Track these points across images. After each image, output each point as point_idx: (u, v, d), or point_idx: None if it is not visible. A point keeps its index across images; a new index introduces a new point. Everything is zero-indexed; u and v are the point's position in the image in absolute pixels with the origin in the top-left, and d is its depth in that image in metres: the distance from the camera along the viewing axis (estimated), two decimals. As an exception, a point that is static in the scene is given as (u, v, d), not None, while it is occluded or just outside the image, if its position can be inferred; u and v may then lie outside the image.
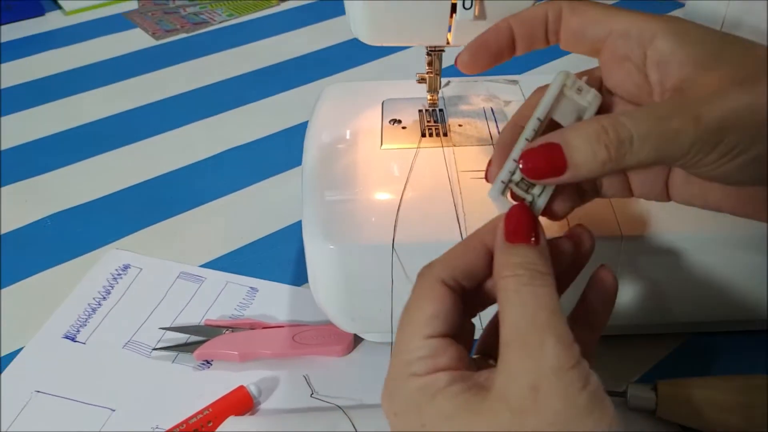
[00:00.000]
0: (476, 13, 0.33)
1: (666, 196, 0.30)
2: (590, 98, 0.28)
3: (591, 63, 0.30)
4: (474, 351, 0.29)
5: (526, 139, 0.28)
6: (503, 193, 0.28)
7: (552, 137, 0.25)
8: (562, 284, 0.27)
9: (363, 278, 0.37)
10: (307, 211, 0.38)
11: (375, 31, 0.36)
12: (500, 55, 0.30)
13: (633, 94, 0.28)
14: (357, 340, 0.42)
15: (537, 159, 0.25)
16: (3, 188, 0.56)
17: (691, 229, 0.36)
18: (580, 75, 0.30)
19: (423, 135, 0.42)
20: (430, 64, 0.41)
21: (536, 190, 0.28)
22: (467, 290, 0.27)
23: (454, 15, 0.34)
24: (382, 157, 0.41)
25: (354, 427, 0.36)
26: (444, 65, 0.42)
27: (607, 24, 0.28)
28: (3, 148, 0.61)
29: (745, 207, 0.28)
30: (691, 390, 0.36)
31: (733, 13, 0.40)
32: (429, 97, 0.43)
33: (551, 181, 0.26)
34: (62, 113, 0.66)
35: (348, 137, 0.43)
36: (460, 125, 0.43)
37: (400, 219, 0.37)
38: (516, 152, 0.28)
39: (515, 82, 0.47)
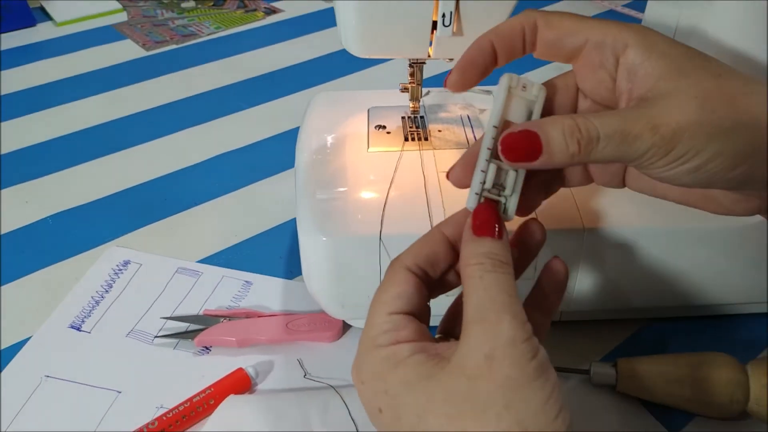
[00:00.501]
0: (454, 30, 0.37)
1: (622, 184, 0.34)
2: (536, 91, 0.31)
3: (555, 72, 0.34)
4: (436, 333, 0.32)
5: (488, 149, 0.30)
6: (479, 202, 0.30)
7: (530, 126, 0.28)
8: (517, 271, 0.30)
9: (352, 267, 0.40)
10: (301, 208, 0.42)
11: (364, 45, 0.40)
12: (486, 70, 0.31)
13: (604, 98, 0.31)
14: (346, 327, 0.45)
15: (516, 142, 0.28)
16: (4, 190, 0.59)
17: (646, 222, 0.40)
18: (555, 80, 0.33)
19: (406, 139, 0.46)
20: (412, 75, 0.45)
21: (507, 192, 0.30)
22: (430, 276, 0.30)
23: (434, 31, 0.38)
24: (369, 159, 0.45)
25: (345, 402, 0.40)
26: (425, 76, 0.46)
27: (583, 34, 0.30)
28: (3, 152, 0.64)
29: (687, 197, 0.32)
30: (646, 366, 0.40)
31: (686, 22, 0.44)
32: (411, 105, 0.47)
33: (524, 165, 0.29)
34: (58, 120, 0.68)
35: (337, 141, 0.47)
36: (439, 131, 0.47)
37: (385, 214, 0.40)
38: (481, 163, 0.30)
39: (489, 92, 0.52)
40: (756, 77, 0.29)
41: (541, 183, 0.33)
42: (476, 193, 0.30)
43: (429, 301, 0.31)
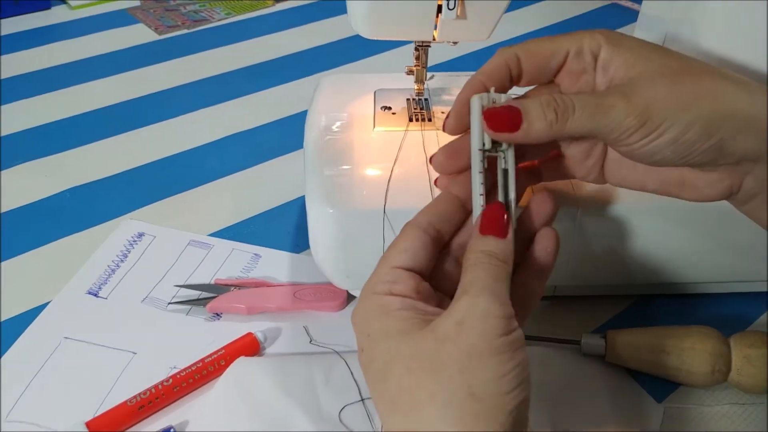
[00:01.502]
0: (458, 13, 0.39)
1: (602, 178, 0.36)
2: (505, 101, 0.32)
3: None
4: None
5: (479, 172, 0.32)
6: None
7: (512, 102, 0.31)
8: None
9: (357, 239, 0.42)
10: (309, 183, 0.44)
11: (373, 28, 0.42)
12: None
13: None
14: (350, 297, 0.48)
15: (499, 113, 0.31)
16: (25, 164, 0.61)
17: (637, 201, 0.42)
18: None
19: (410, 120, 0.48)
20: (417, 58, 0.47)
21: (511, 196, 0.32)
22: (443, 235, 0.32)
23: (439, 15, 0.40)
24: (375, 138, 0.47)
25: (348, 366, 0.42)
26: (429, 61, 0.48)
27: (563, 49, 0.33)
28: (20, 129, 0.66)
29: (662, 186, 0.34)
30: (634, 337, 0.42)
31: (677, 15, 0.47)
32: (416, 87, 0.49)
33: (508, 137, 0.31)
34: (74, 99, 0.71)
35: (344, 121, 0.49)
36: (442, 112, 0.49)
37: (389, 189, 0.43)
38: (477, 187, 0.31)
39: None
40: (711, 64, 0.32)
41: (528, 179, 0.35)
42: (480, 206, 0.32)
43: (437, 259, 0.32)
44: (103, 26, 0.85)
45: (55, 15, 0.88)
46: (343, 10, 0.89)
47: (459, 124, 0.33)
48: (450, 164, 0.34)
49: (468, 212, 0.33)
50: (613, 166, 0.35)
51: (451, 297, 0.30)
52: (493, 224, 0.31)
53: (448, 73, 0.54)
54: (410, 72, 0.48)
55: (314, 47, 0.81)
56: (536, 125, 0.30)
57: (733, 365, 0.41)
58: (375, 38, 0.43)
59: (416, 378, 0.27)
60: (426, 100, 0.50)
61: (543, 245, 0.33)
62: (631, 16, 0.88)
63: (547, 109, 0.30)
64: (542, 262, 0.33)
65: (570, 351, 0.44)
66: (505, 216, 0.31)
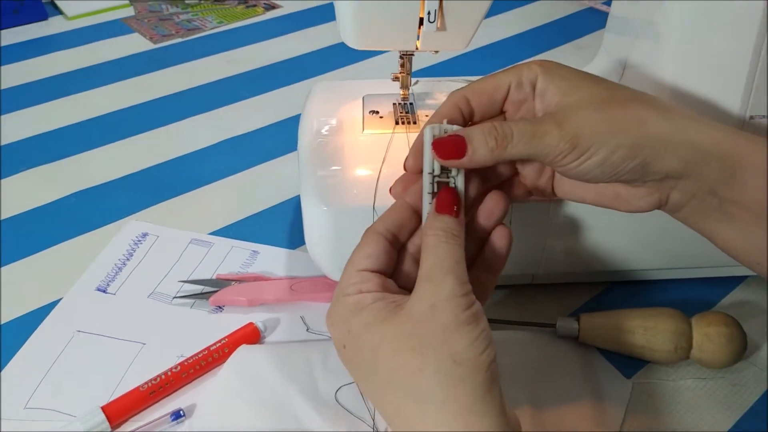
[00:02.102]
0: (438, 25, 0.43)
1: (553, 194, 0.39)
2: (455, 130, 0.35)
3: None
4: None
5: (429, 193, 0.35)
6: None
7: (458, 131, 0.35)
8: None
9: (349, 234, 0.46)
10: (304, 183, 0.47)
11: (360, 39, 0.45)
12: None
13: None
14: (343, 289, 0.51)
15: (446, 143, 0.34)
16: (30, 170, 0.64)
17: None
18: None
19: (396, 123, 0.52)
20: (402, 66, 0.51)
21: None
22: (399, 240, 0.36)
23: (421, 26, 0.44)
24: (364, 140, 0.50)
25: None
26: (414, 68, 0.51)
27: (504, 84, 0.37)
28: (23, 137, 0.69)
29: (600, 199, 0.38)
30: (604, 319, 0.46)
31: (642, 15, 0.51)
32: (401, 92, 0.53)
33: (455, 163, 0.34)
34: (74, 108, 0.74)
35: (335, 124, 0.52)
36: (426, 115, 0.53)
37: (378, 187, 0.46)
38: (426, 203, 0.35)
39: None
40: (639, 90, 0.36)
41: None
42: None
43: (396, 260, 0.36)
44: (99, 36, 0.88)
45: (53, 25, 0.91)
46: (330, 18, 0.92)
47: (417, 163, 0.37)
48: (418, 167, 0.37)
49: (420, 218, 0.36)
50: (559, 182, 0.39)
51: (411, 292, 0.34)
52: (447, 205, 0.34)
53: (431, 78, 0.58)
54: (396, 78, 0.52)
55: (304, 54, 0.85)
56: (479, 152, 0.34)
57: (695, 343, 0.45)
58: (362, 49, 0.46)
59: (403, 357, 0.31)
60: (411, 104, 0.54)
61: (498, 242, 0.36)
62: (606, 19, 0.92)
63: (489, 137, 0.34)
64: (496, 258, 0.36)
65: (546, 334, 0.48)
66: (457, 196, 0.35)
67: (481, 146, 0.34)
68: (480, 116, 0.38)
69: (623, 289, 0.52)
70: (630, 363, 0.46)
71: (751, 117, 0.45)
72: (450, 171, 0.36)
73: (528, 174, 0.39)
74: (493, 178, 0.38)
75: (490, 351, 0.31)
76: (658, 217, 0.47)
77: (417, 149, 0.37)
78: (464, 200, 0.36)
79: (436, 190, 0.35)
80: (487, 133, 0.34)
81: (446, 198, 0.35)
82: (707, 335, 0.44)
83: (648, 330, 0.45)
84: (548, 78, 0.36)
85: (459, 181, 0.36)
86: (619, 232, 0.48)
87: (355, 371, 0.33)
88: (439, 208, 0.34)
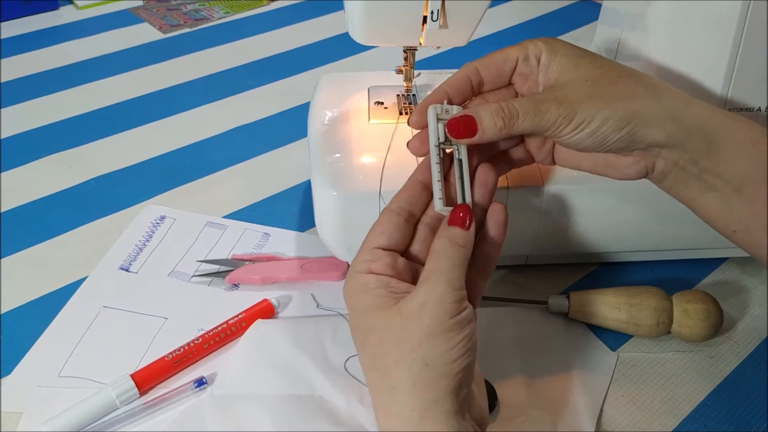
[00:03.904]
0: (441, 23, 0.46)
1: (552, 161, 0.43)
2: (455, 111, 0.40)
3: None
4: None
5: (436, 163, 0.39)
6: (444, 205, 0.39)
7: (468, 111, 0.38)
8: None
9: (356, 217, 0.49)
10: (314, 169, 0.51)
11: (368, 35, 0.48)
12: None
13: (533, 93, 0.41)
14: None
15: (458, 123, 0.38)
16: (50, 156, 0.67)
17: (592, 180, 0.50)
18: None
19: (400, 113, 0.55)
20: (406, 59, 0.54)
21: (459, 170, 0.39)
22: (414, 215, 0.39)
23: (425, 24, 0.47)
24: (370, 130, 0.54)
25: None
26: (416, 59, 0.55)
27: (512, 57, 0.41)
28: (39, 125, 0.72)
29: (594, 166, 0.42)
30: (592, 297, 0.50)
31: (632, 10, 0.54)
32: (405, 84, 0.56)
33: (467, 141, 0.38)
34: (88, 97, 0.77)
35: (343, 115, 0.55)
36: (428, 106, 0.56)
37: (383, 174, 0.50)
38: (435, 174, 0.38)
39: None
40: (629, 67, 0.40)
41: (498, 163, 0.42)
42: (439, 198, 0.39)
43: (411, 234, 0.39)
44: (109, 26, 0.91)
45: (63, 15, 0.94)
46: (334, 8, 0.95)
47: (420, 122, 0.41)
48: (422, 148, 0.41)
49: (431, 192, 0.40)
50: (558, 151, 0.43)
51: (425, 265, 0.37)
52: (459, 219, 0.37)
53: (433, 70, 0.61)
54: (400, 71, 0.55)
55: (310, 44, 0.88)
56: (489, 131, 0.38)
57: (675, 318, 0.49)
58: (369, 44, 0.49)
59: (385, 347, 0.34)
60: (414, 95, 0.57)
61: (494, 218, 0.39)
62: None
63: (497, 117, 0.38)
64: (495, 232, 0.40)
65: (538, 310, 0.52)
66: (470, 212, 0.38)
67: (490, 126, 0.38)
68: (489, 86, 0.42)
69: (610, 269, 0.56)
70: (616, 337, 0.50)
71: (730, 110, 0.48)
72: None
73: (532, 144, 0.43)
74: (492, 148, 0.42)
75: (465, 358, 0.34)
76: (644, 201, 0.51)
77: (421, 111, 0.41)
78: (468, 172, 0.39)
79: (443, 157, 0.39)
80: (495, 113, 0.38)
81: (459, 213, 0.37)
82: (686, 311, 0.48)
83: (632, 306, 0.49)
84: (551, 55, 0.40)
85: (462, 151, 0.39)
86: (607, 216, 0.51)
87: (354, 341, 0.37)
88: (452, 222, 0.37)
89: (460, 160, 0.39)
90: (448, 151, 0.40)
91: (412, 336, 0.34)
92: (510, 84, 0.43)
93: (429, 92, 0.58)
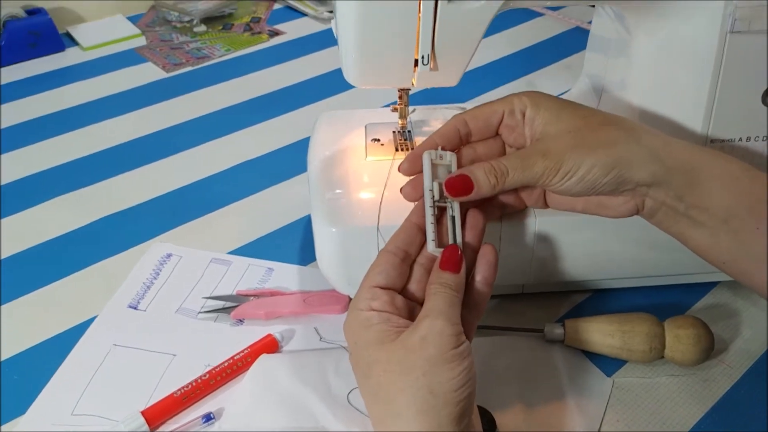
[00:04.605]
0: (431, 67, 0.48)
1: (545, 205, 0.46)
2: (449, 157, 0.43)
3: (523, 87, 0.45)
4: None
5: (430, 206, 0.42)
6: (436, 244, 0.41)
7: (463, 170, 0.41)
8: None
9: (356, 252, 0.51)
10: (314, 205, 0.53)
11: (361, 78, 0.51)
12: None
13: (520, 145, 0.44)
14: (351, 301, 0.56)
15: (456, 182, 0.41)
16: (57, 198, 0.69)
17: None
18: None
19: (396, 149, 0.57)
20: (400, 98, 0.56)
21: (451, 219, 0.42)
22: (410, 255, 0.41)
23: (416, 67, 0.49)
24: (367, 166, 0.56)
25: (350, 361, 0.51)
26: (410, 93, 0.57)
27: (499, 111, 0.43)
28: (47, 167, 0.74)
29: (587, 207, 0.44)
30: (587, 324, 0.52)
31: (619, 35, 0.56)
32: (400, 122, 0.58)
33: (463, 198, 0.41)
34: (94, 137, 0.79)
35: (341, 152, 0.57)
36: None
37: (381, 209, 0.51)
38: (429, 217, 0.41)
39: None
40: (613, 114, 0.42)
41: (489, 209, 0.45)
42: (432, 240, 0.41)
43: (408, 274, 0.42)
44: (114, 66, 0.94)
45: (69, 57, 0.97)
46: (330, 43, 0.98)
47: (411, 169, 0.44)
48: (414, 194, 0.44)
49: (426, 234, 0.42)
50: (551, 196, 0.45)
51: (421, 304, 0.40)
52: (449, 262, 0.40)
53: (427, 106, 0.63)
54: (395, 110, 0.57)
55: (308, 79, 0.90)
56: (483, 188, 0.41)
57: (667, 344, 0.50)
58: (363, 86, 0.52)
59: (390, 377, 0.36)
60: (409, 131, 0.59)
61: (485, 258, 0.42)
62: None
63: (490, 175, 0.41)
64: (487, 272, 0.42)
65: (535, 338, 0.53)
66: (459, 254, 0.40)
67: (484, 184, 0.41)
68: (477, 137, 0.45)
69: (604, 296, 0.57)
70: (610, 363, 0.52)
71: (712, 140, 0.50)
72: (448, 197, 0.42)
73: (523, 191, 0.45)
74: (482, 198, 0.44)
75: (466, 388, 0.36)
76: (635, 230, 0.52)
77: (412, 160, 0.44)
78: (461, 227, 0.42)
79: (437, 199, 0.42)
80: (488, 172, 0.41)
81: (449, 257, 0.40)
82: (677, 336, 0.50)
83: (625, 333, 0.50)
84: (535, 109, 0.43)
85: (455, 208, 0.42)
86: (600, 246, 0.53)
87: (355, 374, 0.39)
88: (443, 266, 0.40)
89: (453, 217, 0.42)
90: (441, 206, 0.42)
91: (416, 366, 0.35)
92: (497, 134, 0.45)
93: (423, 128, 0.61)
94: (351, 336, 0.39)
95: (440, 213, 0.42)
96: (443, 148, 0.44)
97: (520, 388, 0.50)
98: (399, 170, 0.44)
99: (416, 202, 0.44)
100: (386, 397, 0.36)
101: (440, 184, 0.42)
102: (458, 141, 0.44)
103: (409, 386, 0.35)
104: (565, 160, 0.40)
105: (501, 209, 0.46)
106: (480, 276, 0.41)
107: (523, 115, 0.43)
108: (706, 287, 0.58)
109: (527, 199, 0.45)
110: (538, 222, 0.51)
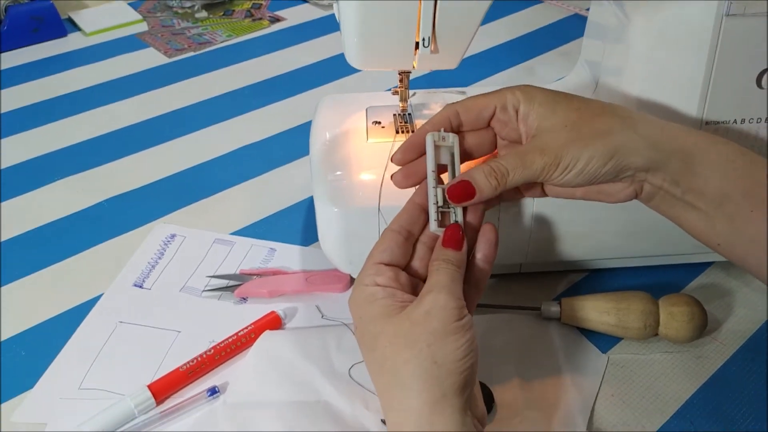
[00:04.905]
0: (432, 49, 0.49)
1: (543, 194, 0.46)
2: (452, 139, 0.44)
3: (522, 78, 0.46)
4: None
5: (433, 187, 0.43)
6: (438, 223, 0.42)
7: (464, 176, 0.41)
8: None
9: (357, 232, 0.52)
10: (316, 187, 0.54)
11: (363, 60, 0.52)
12: (422, 150, 0.44)
13: (514, 139, 0.45)
14: (353, 280, 0.58)
15: (458, 189, 0.41)
16: (63, 180, 0.71)
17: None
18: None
19: (397, 132, 0.58)
20: (401, 81, 0.57)
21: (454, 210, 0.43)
22: (413, 234, 0.43)
23: (417, 50, 0.50)
24: (368, 148, 0.57)
25: (354, 334, 0.52)
26: (411, 77, 0.57)
27: (491, 105, 0.44)
28: (51, 150, 0.75)
29: (587, 195, 0.44)
30: (582, 302, 0.53)
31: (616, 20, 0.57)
32: (401, 105, 0.59)
33: (466, 203, 0.42)
34: (98, 121, 0.80)
35: (342, 134, 0.58)
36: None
37: (382, 190, 0.52)
38: (431, 197, 0.42)
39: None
40: (607, 102, 0.43)
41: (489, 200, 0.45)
42: (435, 220, 0.42)
43: (411, 252, 0.43)
44: (116, 51, 0.94)
45: (71, 42, 0.97)
46: (332, 29, 0.98)
47: (405, 158, 0.45)
48: (405, 157, 0.45)
49: (428, 214, 0.43)
50: (549, 186, 0.45)
51: (423, 281, 0.41)
52: (451, 240, 0.41)
53: (427, 90, 0.64)
54: (396, 93, 0.58)
55: (309, 64, 0.91)
56: (486, 191, 0.41)
57: (661, 321, 0.51)
58: (365, 69, 0.52)
59: (395, 349, 0.37)
60: (409, 114, 0.60)
61: (486, 237, 0.43)
62: (591, 26, 0.98)
63: (490, 178, 0.41)
64: (487, 251, 0.43)
65: (532, 316, 0.54)
66: (461, 232, 0.41)
67: (486, 187, 0.41)
68: (468, 128, 0.46)
69: (600, 276, 0.59)
70: (606, 340, 0.53)
71: (707, 123, 0.51)
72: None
73: (523, 185, 0.45)
74: None
75: (469, 359, 0.37)
76: (631, 211, 0.53)
77: (405, 150, 0.44)
78: (462, 214, 0.43)
79: (441, 205, 0.43)
80: (488, 174, 0.41)
81: (452, 235, 0.41)
82: (671, 314, 0.51)
83: (620, 311, 0.51)
84: (529, 105, 0.43)
85: (458, 210, 0.43)
86: (596, 226, 0.54)
87: (361, 348, 0.40)
88: (445, 243, 0.41)
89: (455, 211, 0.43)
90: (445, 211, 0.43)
91: (420, 338, 0.37)
92: (488, 127, 0.46)
93: (423, 111, 0.61)
94: (356, 310, 0.40)
95: (442, 194, 0.43)
96: (445, 130, 0.45)
97: (517, 365, 0.51)
98: (392, 160, 0.45)
99: (417, 186, 0.45)
100: (391, 368, 0.37)
101: (443, 191, 0.43)
102: (450, 131, 0.45)
103: (413, 357, 0.36)
104: (563, 154, 0.40)
105: (498, 199, 0.46)
106: (481, 254, 0.42)
107: (516, 111, 0.43)
108: (701, 267, 0.59)
109: (525, 190, 0.46)
110: (535, 203, 0.52)
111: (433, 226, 0.42)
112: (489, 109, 0.44)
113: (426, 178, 0.43)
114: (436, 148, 0.44)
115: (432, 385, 0.36)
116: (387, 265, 0.41)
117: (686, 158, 0.41)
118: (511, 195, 0.46)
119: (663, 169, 0.41)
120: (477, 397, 0.39)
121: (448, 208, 0.43)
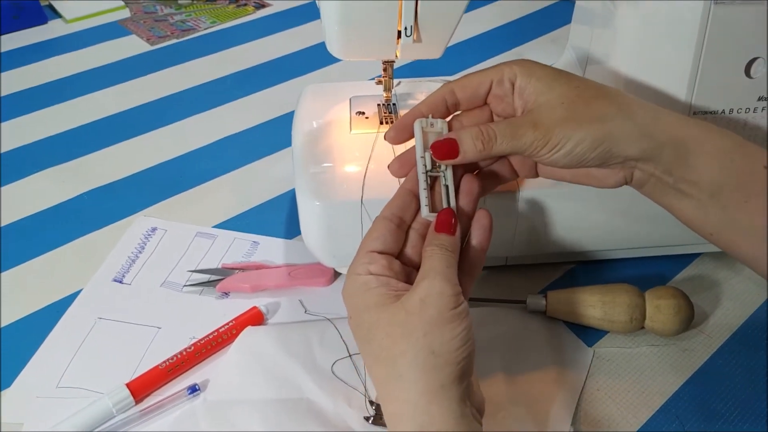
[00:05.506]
0: (414, 38, 0.48)
1: (536, 174, 0.45)
2: (440, 125, 0.43)
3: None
4: None
5: (423, 173, 0.41)
6: (429, 210, 0.41)
7: (450, 134, 0.41)
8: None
9: (340, 225, 0.51)
10: (298, 179, 0.53)
11: (344, 50, 0.50)
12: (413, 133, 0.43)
13: (510, 115, 0.43)
14: (336, 274, 0.57)
15: (443, 146, 0.40)
16: (44, 171, 0.69)
17: (565, 186, 0.52)
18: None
19: (381, 123, 0.57)
20: (385, 70, 0.56)
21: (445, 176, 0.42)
22: (405, 221, 0.42)
23: (399, 39, 0.49)
24: (352, 139, 0.56)
25: (338, 330, 0.52)
26: (395, 67, 0.56)
27: (487, 80, 0.43)
28: (30, 141, 0.74)
29: (575, 178, 0.43)
30: (568, 295, 0.52)
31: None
32: (385, 94, 0.58)
33: (449, 161, 0.41)
34: (78, 111, 0.79)
35: (325, 125, 0.57)
36: (408, 115, 0.58)
37: (365, 183, 0.51)
38: (422, 183, 0.41)
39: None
40: (606, 85, 0.41)
41: (485, 179, 0.44)
42: (426, 205, 0.41)
43: (403, 239, 0.42)
44: (98, 39, 0.93)
45: (52, 29, 0.95)
46: (317, 16, 0.97)
47: (398, 138, 0.43)
48: (399, 137, 0.44)
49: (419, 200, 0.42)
50: (541, 165, 0.45)
51: (417, 268, 0.40)
52: (444, 225, 0.40)
53: (412, 79, 0.63)
54: (379, 82, 0.57)
55: (294, 52, 0.89)
56: (469, 153, 0.40)
57: (647, 314, 0.51)
58: (347, 59, 0.51)
59: (392, 339, 0.37)
60: (394, 104, 0.59)
61: (480, 223, 0.42)
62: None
63: (476, 140, 0.40)
64: (481, 237, 0.42)
65: (518, 309, 0.54)
66: (453, 217, 0.40)
67: (470, 148, 0.40)
68: (465, 106, 0.45)
69: (587, 268, 0.58)
70: (591, 333, 0.52)
71: (695, 112, 0.50)
72: (440, 165, 0.42)
73: (515, 160, 0.45)
74: (476, 165, 0.44)
75: (467, 348, 0.36)
76: (618, 201, 0.53)
77: (399, 129, 0.43)
78: (455, 194, 0.42)
79: (429, 168, 0.42)
80: (475, 137, 0.40)
81: (444, 219, 0.40)
82: (658, 307, 0.50)
83: (606, 304, 0.51)
84: (526, 78, 0.42)
85: (448, 176, 0.42)
86: (582, 217, 0.53)
87: (356, 337, 0.39)
88: (439, 228, 0.40)
89: (446, 186, 0.42)
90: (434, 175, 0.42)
91: (417, 327, 0.36)
92: (486, 104, 0.45)
93: (408, 101, 0.60)
94: (350, 301, 0.39)
95: (434, 181, 0.42)
96: (433, 116, 0.43)
97: (503, 359, 0.50)
98: (385, 138, 0.44)
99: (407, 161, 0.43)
100: (388, 359, 0.36)
101: (431, 154, 0.42)
102: (445, 110, 0.44)
103: (410, 348, 0.36)
104: (554, 132, 0.39)
105: (496, 180, 0.45)
106: (475, 240, 0.42)
107: (512, 84, 0.42)
108: (689, 258, 0.59)
109: (520, 169, 0.45)
110: (521, 194, 0.51)
111: (424, 211, 0.41)
112: (485, 85, 0.43)
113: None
114: (425, 134, 0.43)
115: (430, 376, 0.35)
116: (380, 253, 0.40)
117: (680, 149, 0.40)
118: (507, 173, 0.45)
119: (656, 158, 0.40)
120: (475, 386, 0.38)
121: (438, 171, 0.42)
